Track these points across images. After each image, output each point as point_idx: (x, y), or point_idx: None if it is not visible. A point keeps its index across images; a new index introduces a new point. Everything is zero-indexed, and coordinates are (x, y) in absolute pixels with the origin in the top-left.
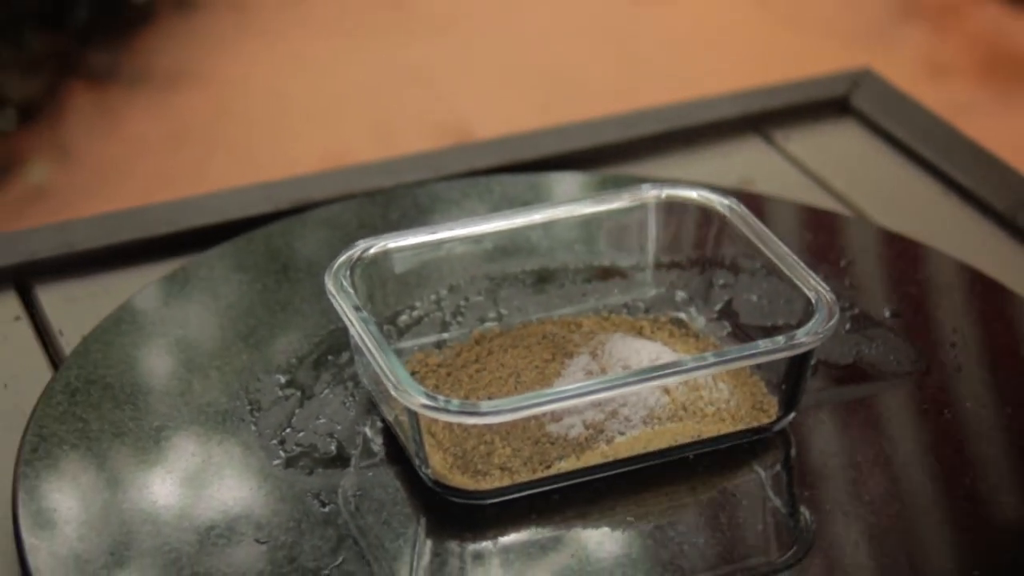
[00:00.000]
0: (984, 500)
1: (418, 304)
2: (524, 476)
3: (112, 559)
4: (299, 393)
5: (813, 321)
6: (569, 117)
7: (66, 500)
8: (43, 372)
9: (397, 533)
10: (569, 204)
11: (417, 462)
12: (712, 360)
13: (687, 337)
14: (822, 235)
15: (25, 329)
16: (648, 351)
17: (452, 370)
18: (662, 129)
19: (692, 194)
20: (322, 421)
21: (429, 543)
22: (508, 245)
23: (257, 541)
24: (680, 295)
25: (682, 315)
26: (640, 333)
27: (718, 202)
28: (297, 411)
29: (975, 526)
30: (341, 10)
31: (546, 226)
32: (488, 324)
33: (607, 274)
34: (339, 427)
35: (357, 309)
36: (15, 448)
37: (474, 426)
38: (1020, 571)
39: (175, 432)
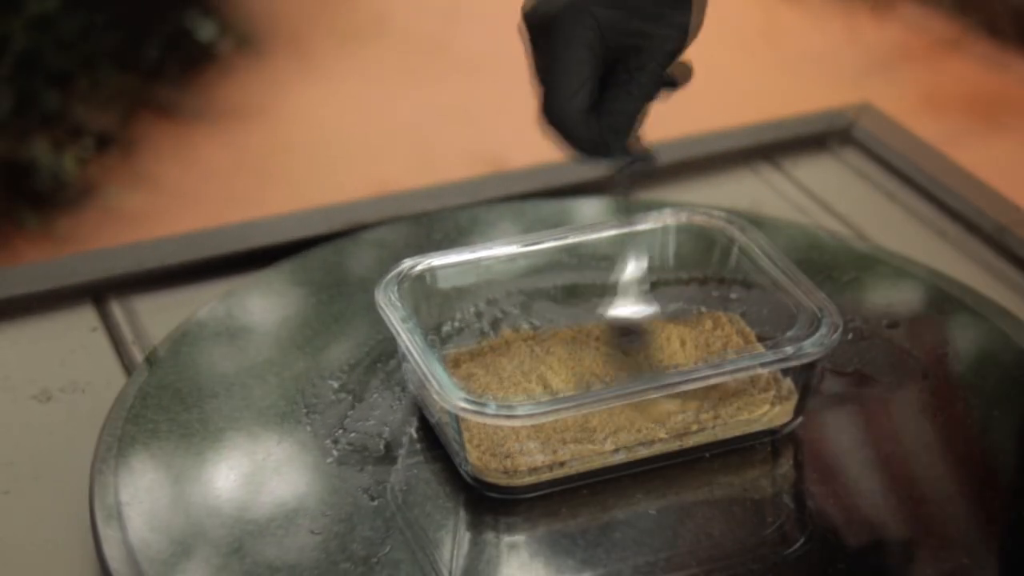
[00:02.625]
0: (976, 494)
1: (459, 316)
2: (554, 473)
3: (179, 548)
4: (351, 397)
5: (819, 333)
6: None
7: (137, 494)
8: (117, 378)
9: (439, 524)
10: (596, 226)
11: (457, 460)
12: (727, 368)
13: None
14: (826, 253)
15: (101, 339)
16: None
17: None
18: (682, 158)
19: (709, 217)
20: (371, 422)
21: (468, 533)
22: (540, 263)
23: (312, 532)
24: (699, 308)
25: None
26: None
27: (732, 224)
28: (349, 413)
29: (968, 517)
30: (389, 53)
31: (575, 246)
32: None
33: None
34: (387, 428)
35: (404, 320)
36: (92, 447)
37: (509, 427)
38: (1009, 560)
39: (237, 433)
